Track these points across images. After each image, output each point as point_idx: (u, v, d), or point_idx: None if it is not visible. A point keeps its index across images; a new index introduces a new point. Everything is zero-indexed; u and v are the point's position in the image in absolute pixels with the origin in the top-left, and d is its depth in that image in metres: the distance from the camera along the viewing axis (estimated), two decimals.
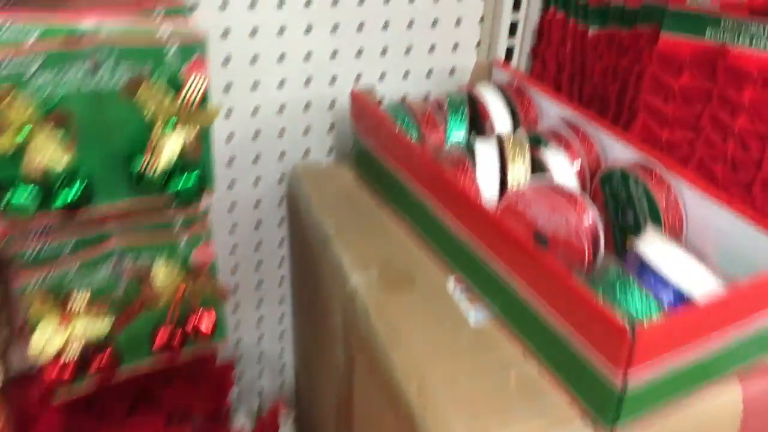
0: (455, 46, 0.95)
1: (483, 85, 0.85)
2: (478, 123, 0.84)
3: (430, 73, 0.96)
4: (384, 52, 0.92)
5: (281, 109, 0.90)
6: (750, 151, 0.81)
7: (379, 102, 0.85)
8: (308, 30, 0.86)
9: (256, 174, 0.93)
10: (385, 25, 0.90)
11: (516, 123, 0.83)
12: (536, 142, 0.77)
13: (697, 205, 0.69)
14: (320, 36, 0.87)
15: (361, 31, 0.89)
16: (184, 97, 0.57)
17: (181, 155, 0.60)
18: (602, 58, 0.90)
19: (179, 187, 0.61)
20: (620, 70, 0.88)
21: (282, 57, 0.87)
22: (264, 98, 0.88)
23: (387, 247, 0.76)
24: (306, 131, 0.93)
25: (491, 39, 0.95)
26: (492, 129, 0.82)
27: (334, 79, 0.91)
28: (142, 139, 0.58)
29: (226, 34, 0.82)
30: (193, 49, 0.56)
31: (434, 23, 0.92)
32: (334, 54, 0.89)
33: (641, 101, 0.84)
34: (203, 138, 0.61)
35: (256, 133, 0.90)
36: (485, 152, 0.73)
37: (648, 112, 0.85)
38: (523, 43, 0.96)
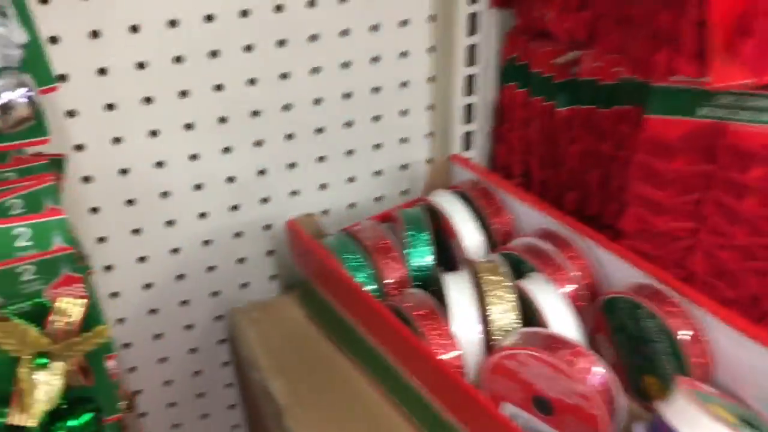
0: (404, 140, 0.81)
1: (443, 193, 0.72)
2: (443, 242, 0.70)
3: (379, 173, 0.82)
4: (322, 159, 0.77)
5: (207, 243, 0.75)
6: (764, 236, 0.69)
7: (320, 233, 0.71)
8: (227, 150, 0.71)
9: (188, 320, 0.78)
10: (319, 130, 0.76)
11: (489, 238, 0.70)
12: (518, 266, 0.63)
13: (725, 339, 0.57)
14: (241, 154, 0.72)
15: (291, 140, 0.74)
16: (54, 325, 0.42)
17: (68, 389, 0.45)
18: (577, 140, 0.77)
19: (65, 428, 0.45)
20: (601, 155, 0.75)
21: (199, 186, 0.72)
22: (183, 234, 0.73)
23: (350, 419, 0.61)
24: (241, 262, 0.78)
25: (445, 127, 0.81)
26: (460, 249, 0.68)
27: (265, 200, 0.76)
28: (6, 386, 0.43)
29: (125, 172, 0.67)
30: (56, 265, 0.42)
31: (377, 118, 0.78)
32: (262, 172, 0.75)
33: (631, 191, 0.71)
34: (96, 360, 0.46)
35: (177, 277, 0.75)
36: (458, 295, 0.59)
37: (640, 202, 0.72)
38: (483, 128, 0.83)
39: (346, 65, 0.74)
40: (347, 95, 0.75)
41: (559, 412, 0.55)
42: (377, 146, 0.80)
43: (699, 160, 0.68)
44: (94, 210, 0.68)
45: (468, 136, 0.83)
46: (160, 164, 0.69)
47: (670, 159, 0.68)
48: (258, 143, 0.73)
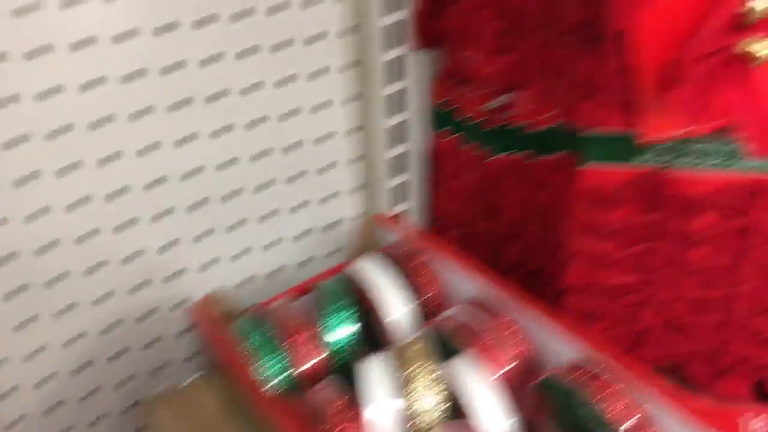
0: (330, 197, 0.75)
1: (367, 260, 0.65)
2: (366, 318, 0.63)
3: (305, 234, 0.75)
4: (238, 224, 0.71)
5: (108, 328, 0.67)
6: (720, 289, 0.63)
7: (231, 313, 0.63)
8: (130, 223, 0.64)
9: (95, 413, 0.70)
10: (233, 193, 0.69)
11: (419, 310, 0.63)
12: (447, 345, 0.57)
13: (676, 427, 0.50)
14: (143, 227, 0.65)
15: (201, 208, 0.67)
16: None
17: None
18: (512, 191, 0.71)
19: None
20: (538, 207, 0.69)
21: (100, 264, 0.64)
22: (83, 320, 0.66)
23: None
24: (152, 344, 0.71)
25: (374, 180, 0.75)
26: (382, 326, 0.61)
27: (177, 275, 0.69)
28: None
29: (8, 258, 0.60)
30: None
31: (300, 174, 0.72)
32: (171, 243, 0.68)
33: (572, 245, 0.65)
34: None
35: (80, 368, 0.67)
36: (375, 387, 0.52)
37: (583, 256, 0.66)
38: (417, 178, 0.77)
39: (257, 122, 0.67)
40: (262, 154, 0.69)
41: None
42: (300, 205, 0.73)
43: (643, 209, 0.62)
44: None
45: (402, 187, 0.77)
46: (52, 245, 0.61)
47: (611, 210, 0.63)
48: (164, 213, 0.66)
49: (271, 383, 0.57)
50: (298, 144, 0.70)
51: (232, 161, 0.67)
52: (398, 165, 0.75)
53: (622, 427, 0.49)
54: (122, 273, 0.66)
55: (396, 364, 0.54)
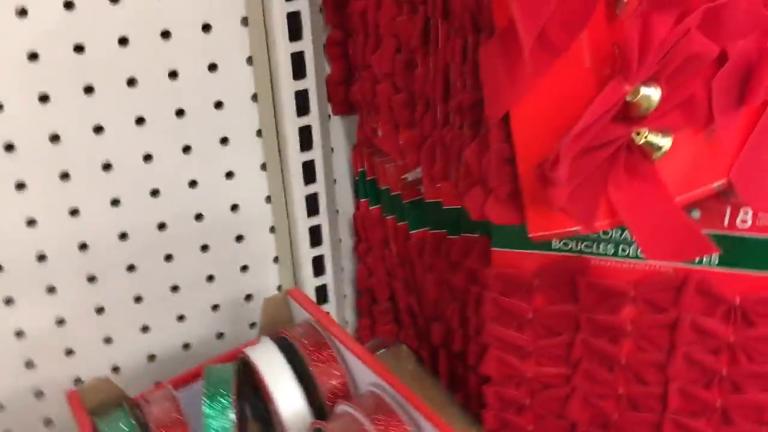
0: (245, 268, 0.70)
1: (264, 344, 0.60)
2: (260, 408, 0.58)
3: (216, 308, 0.70)
4: (138, 299, 0.66)
5: None
6: (649, 385, 0.57)
7: (112, 400, 0.58)
8: (8, 303, 0.60)
9: None
10: (130, 267, 0.64)
11: (316, 401, 0.58)
12: None
13: None
14: (28, 306, 0.61)
15: (93, 283, 0.63)
16: None
17: None
18: (431, 268, 0.65)
19: None
20: (455, 287, 0.64)
21: None
22: None
23: None
24: (44, 428, 0.66)
25: (290, 251, 0.70)
26: (278, 419, 0.56)
27: (69, 353, 0.64)
28: None
29: None
30: None
31: (205, 247, 0.67)
32: (60, 323, 0.63)
33: (487, 332, 0.60)
34: None
35: None
36: None
37: (499, 344, 0.60)
38: (339, 249, 0.72)
39: (154, 193, 0.63)
40: (161, 226, 0.64)
41: None
42: (210, 278, 0.69)
43: (560, 298, 0.57)
44: None
45: (321, 259, 0.72)
46: None
47: (525, 297, 0.57)
48: (49, 290, 0.61)
49: None
50: (202, 216, 0.66)
51: (127, 235, 0.63)
52: (317, 236, 0.71)
53: None
54: (7, 353, 0.61)
55: None
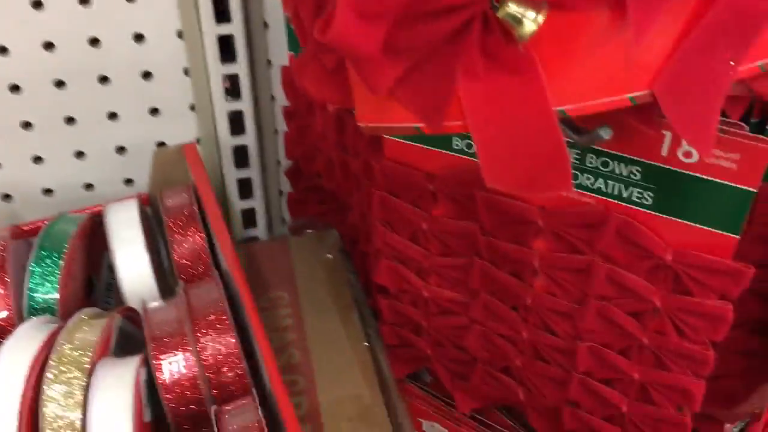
0: (155, 111, 0.61)
1: (123, 206, 0.51)
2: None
3: (121, 150, 0.62)
4: (28, 124, 0.59)
5: None
6: (558, 336, 0.47)
7: None
8: None
9: None
10: (14, 88, 0.57)
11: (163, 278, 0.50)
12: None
13: None
14: None
15: None
16: None
17: None
18: (341, 148, 0.54)
19: None
20: (356, 175, 0.53)
21: None
22: None
23: None
24: None
25: (210, 100, 0.60)
26: (120, 283, 0.49)
27: None
28: None
29: None
30: None
31: (104, 79, 0.58)
32: None
33: (377, 236, 0.49)
34: None
35: None
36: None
37: (390, 252, 0.50)
38: (260, 106, 0.62)
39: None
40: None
41: None
42: None
43: (461, 212, 0.45)
44: None
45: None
46: None
47: (422, 204, 0.46)
48: None
49: None
50: None
51: None
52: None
53: None
54: None
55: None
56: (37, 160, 0.61)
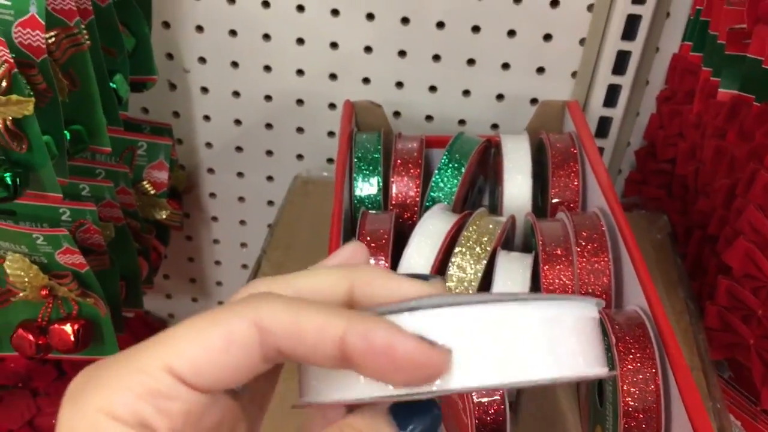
0: (540, 69, 0.69)
1: (515, 138, 0.60)
2: (491, 187, 0.60)
3: (500, 98, 0.72)
4: (437, 57, 0.70)
5: (299, 102, 0.75)
6: None
7: (379, 123, 0.64)
8: (335, 13, 0.68)
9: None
10: (440, 24, 0.68)
11: (542, 201, 0.58)
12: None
13: None
14: (350, 22, 0.68)
15: (407, 25, 0.68)
16: None
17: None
18: (721, 134, 0.58)
19: None
20: (735, 160, 0.56)
21: (301, 41, 0.70)
22: (278, 85, 0.73)
23: None
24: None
25: (593, 70, 0.67)
26: (501, 200, 0.58)
27: (367, 80, 0.72)
28: None
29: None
30: None
31: (511, 33, 0.67)
32: (368, 49, 0.70)
33: (745, 218, 0.53)
34: (27, 127, 0.49)
35: (269, 125, 0.77)
36: (421, 236, 0.50)
37: (752, 237, 0.53)
38: (636, 86, 0.67)
39: None
40: None
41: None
42: (506, 65, 0.70)
43: None
44: None
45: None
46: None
47: None
48: (369, 15, 0.68)
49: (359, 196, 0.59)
50: None
51: None
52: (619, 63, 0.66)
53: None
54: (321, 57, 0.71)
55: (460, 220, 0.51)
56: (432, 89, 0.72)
